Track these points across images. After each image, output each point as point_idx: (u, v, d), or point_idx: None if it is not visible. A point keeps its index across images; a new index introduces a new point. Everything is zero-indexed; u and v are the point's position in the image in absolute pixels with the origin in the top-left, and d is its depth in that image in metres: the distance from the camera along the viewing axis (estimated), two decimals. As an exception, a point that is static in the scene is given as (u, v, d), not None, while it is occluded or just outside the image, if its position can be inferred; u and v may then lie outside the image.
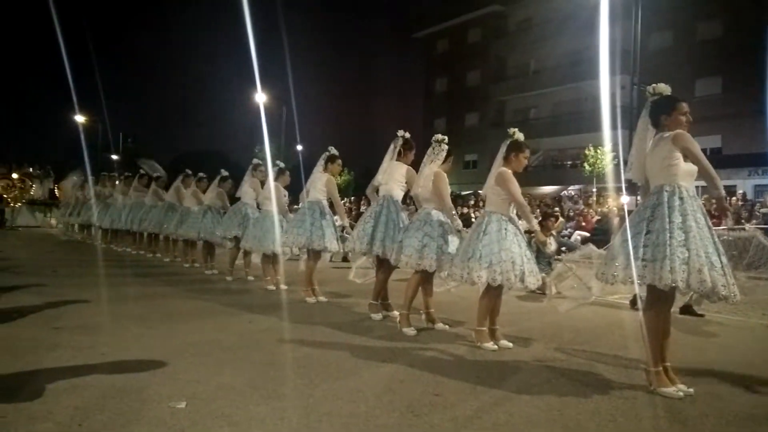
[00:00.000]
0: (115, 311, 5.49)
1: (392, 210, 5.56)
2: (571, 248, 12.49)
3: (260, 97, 27.64)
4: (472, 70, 36.53)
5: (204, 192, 9.49)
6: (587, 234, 15.40)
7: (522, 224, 4.78)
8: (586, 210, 18.21)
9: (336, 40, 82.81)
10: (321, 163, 6.57)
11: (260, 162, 8.12)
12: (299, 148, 31.79)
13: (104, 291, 6.77)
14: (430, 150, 5.21)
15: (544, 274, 7.27)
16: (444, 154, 5.12)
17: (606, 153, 21.44)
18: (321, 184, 6.48)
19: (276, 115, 33.27)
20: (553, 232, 8.89)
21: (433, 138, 5.26)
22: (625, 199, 14.93)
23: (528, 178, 28.85)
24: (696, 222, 3.36)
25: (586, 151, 22.36)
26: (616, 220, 13.40)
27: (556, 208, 18.24)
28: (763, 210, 14.03)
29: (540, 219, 9.70)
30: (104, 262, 10.24)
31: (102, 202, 13.28)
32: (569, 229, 15.99)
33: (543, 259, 8.15)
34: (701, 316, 6.15)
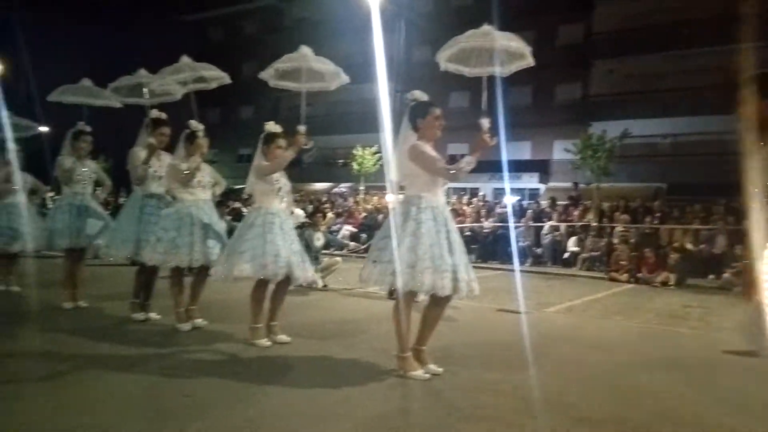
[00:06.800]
0: None
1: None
2: (338, 246, 13.06)
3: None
4: (247, 62, 35.82)
5: None
6: (355, 230, 16.29)
7: (293, 219, 4.89)
8: (354, 207, 19.24)
9: (92, 7, 71.61)
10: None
11: None
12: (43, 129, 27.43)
13: None
14: None
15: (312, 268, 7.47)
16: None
17: (372, 153, 22.87)
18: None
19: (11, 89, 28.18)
20: (322, 228, 9.17)
21: None
22: (390, 197, 16.09)
23: (302, 174, 29.39)
24: (427, 230, 3.59)
25: (354, 151, 23.56)
26: (380, 218, 14.36)
27: (327, 204, 18.94)
28: (499, 210, 16.33)
29: (309, 213, 9.97)
30: None
31: None
32: (339, 225, 16.73)
33: (311, 254, 8.36)
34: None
